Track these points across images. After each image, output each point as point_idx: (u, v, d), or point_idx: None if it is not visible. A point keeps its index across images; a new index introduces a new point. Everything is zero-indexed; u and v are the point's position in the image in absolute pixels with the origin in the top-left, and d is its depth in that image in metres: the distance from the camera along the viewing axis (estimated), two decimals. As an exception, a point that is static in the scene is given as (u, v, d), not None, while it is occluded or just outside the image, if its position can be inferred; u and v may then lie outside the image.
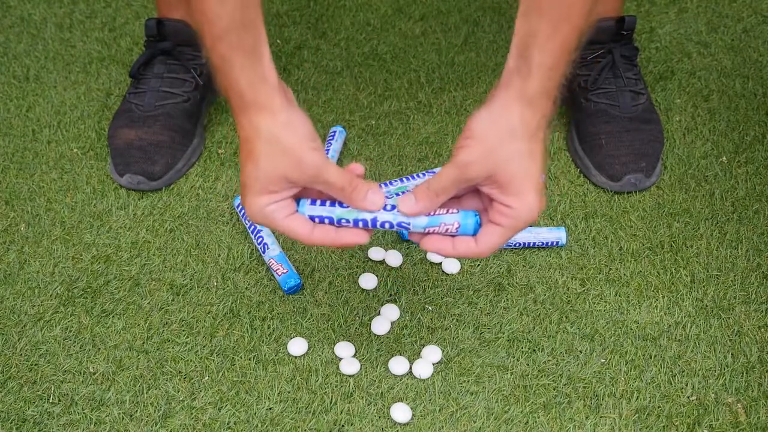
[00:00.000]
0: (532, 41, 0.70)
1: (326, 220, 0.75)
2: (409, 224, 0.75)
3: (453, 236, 0.75)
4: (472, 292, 0.98)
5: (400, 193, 1.07)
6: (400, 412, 0.86)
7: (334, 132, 1.14)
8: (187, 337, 0.94)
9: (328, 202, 0.75)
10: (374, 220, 0.75)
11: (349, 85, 1.24)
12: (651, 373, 0.91)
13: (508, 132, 0.71)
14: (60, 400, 0.88)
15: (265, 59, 0.72)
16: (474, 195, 0.75)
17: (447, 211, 0.75)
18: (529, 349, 0.93)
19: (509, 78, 0.71)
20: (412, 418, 0.87)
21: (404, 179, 1.08)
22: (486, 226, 0.74)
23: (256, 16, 0.71)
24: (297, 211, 0.75)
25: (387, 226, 0.75)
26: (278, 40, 1.31)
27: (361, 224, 0.75)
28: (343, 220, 0.75)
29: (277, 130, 0.71)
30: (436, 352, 0.92)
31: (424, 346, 0.93)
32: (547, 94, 0.71)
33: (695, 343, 0.93)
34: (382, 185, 1.08)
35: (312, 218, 0.75)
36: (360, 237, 0.75)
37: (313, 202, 0.75)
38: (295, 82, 1.24)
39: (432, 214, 0.75)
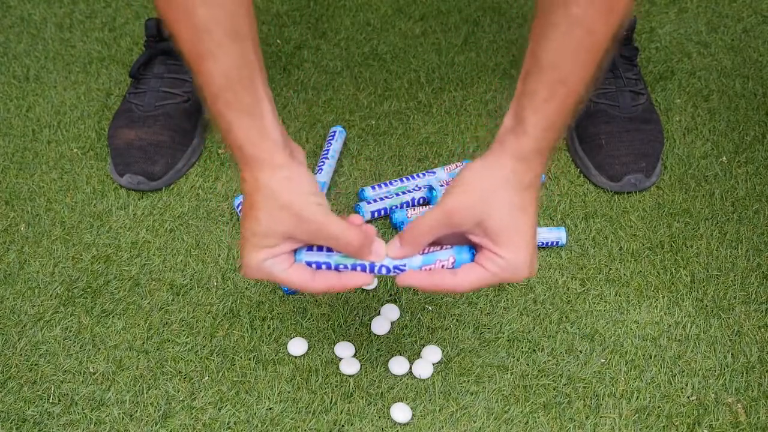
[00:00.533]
0: (528, 102, 0.70)
1: (324, 266, 0.75)
2: (404, 266, 0.75)
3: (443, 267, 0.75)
4: (472, 292, 0.98)
5: (400, 193, 1.07)
6: (400, 412, 0.86)
7: (334, 132, 1.14)
8: (187, 337, 0.94)
9: (325, 248, 0.74)
10: (372, 265, 0.75)
11: (349, 85, 1.24)
12: (651, 373, 0.91)
13: (500, 182, 0.71)
14: (60, 400, 0.88)
15: (267, 116, 0.71)
16: (463, 242, 0.75)
17: (441, 248, 0.75)
18: (529, 349, 0.93)
19: (504, 136, 0.72)
20: (412, 418, 0.87)
21: (404, 179, 1.08)
22: (471, 265, 0.74)
23: (254, 75, 0.70)
24: (295, 260, 0.74)
25: (384, 270, 0.75)
26: (278, 40, 1.31)
27: (359, 268, 0.75)
28: (341, 266, 0.75)
29: (276, 185, 0.71)
30: (436, 352, 0.92)
31: (424, 346, 0.93)
32: (541, 153, 0.72)
33: (695, 343, 0.93)
34: (382, 185, 1.08)
35: (309, 264, 0.75)
36: (365, 278, 0.75)
37: (310, 249, 0.75)
38: (295, 82, 1.24)
39: (426, 252, 0.75)
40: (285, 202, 0.70)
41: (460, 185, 0.72)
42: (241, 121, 0.70)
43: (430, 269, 0.75)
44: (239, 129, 0.71)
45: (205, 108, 0.73)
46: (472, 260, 0.74)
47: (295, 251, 0.74)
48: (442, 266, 0.75)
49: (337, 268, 0.75)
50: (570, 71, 0.69)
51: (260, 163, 0.71)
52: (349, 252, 0.73)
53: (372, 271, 0.75)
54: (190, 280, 0.99)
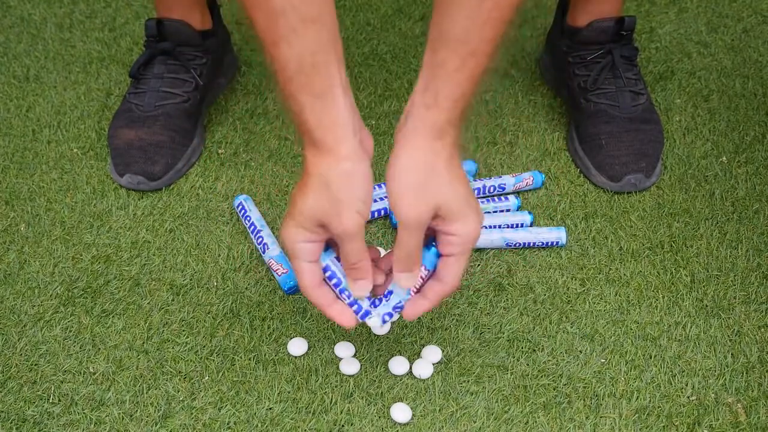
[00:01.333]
0: (439, 73, 0.71)
1: (334, 280, 0.78)
2: (400, 303, 0.79)
3: (424, 279, 0.79)
4: (472, 292, 0.98)
5: None
6: (400, 412, 0.86)
7: None
8: (187, 337, 0.94)
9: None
10: (366, 312, 0.79)
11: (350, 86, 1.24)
12: (651, 373, 0.91)
13: (428, 168, 0.73)
14: (60, 400, 0.88)
15: (339, 101, 0.72)
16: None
17: None
18: (529, 349, 0.93)
19: (415, 112, 0.73)
20: (412, 418, 0.87)
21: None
22: (442, 261, 0.77)
23: (328, 59, 0.71)
24: (319, 258, 0.77)
25: (387, 317, 0.80)
26: (278, 40, 1.31)
27: (355, 306, 0.79)
28: (346, 293, 0.78)
29: (334, 177, 0.72)
30: (436, 352, 0.92)
31: (424, 346, 0.93)
32: (453, 124, 0.73)
33: (695, 343, 0.93)
34: (382, 185, 1.08)
35: (326, 269, 0.78)
36: (346, 321, 0.79)
37: (338, 259, 0.78)
38: (295, 82, 1.24)
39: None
40: (334, 197, 0.73)
41: (396, 192, 0.73)
42: (313, 105, 0.71)
43: (417, 290, 0.79)
44: (311, 113, 0.72)
45: (276, 91, 0.74)
46: (436, 254, 0.77)
47: (325, 249, 0.77)
48: (421, 278, 0.78)
49: (342, 292, 0.78)
50: (479, 43, 0.71)
51: (326, 150, 0.72)
52: (344, 268, 0.77)
53: (363, 318, 0.80)
54: (190, 280, 0.99)
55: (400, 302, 0.79)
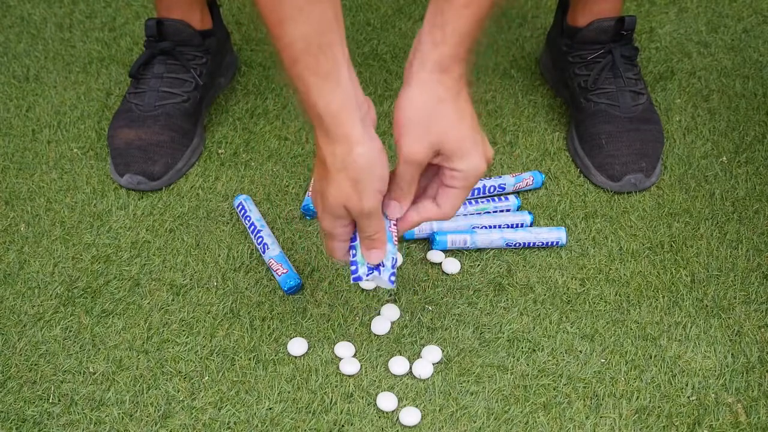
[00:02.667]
0: (447, 7, 0.72)
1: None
2: (395, 265, 0.82)
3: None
4: (472, 292, 0.98)
5: None
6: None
7: None
8: (187, 337, 0.94)
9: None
10: (358, 278, 0.82)
11: (349, 85, 1.24)
12: (651, 373, 0.91)
13: (433, 103, 0.73)
14: (60, 400, 0.88)
15: (344, 81, 0.73)
16: (435, 173, 0.80)
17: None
18: (529, 349, 0.93)
19: (421, 49, 0.73)
20: (421, 420, 0.87)
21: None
22: (443, 190, 0.78)
23: (333, 39, 0.71)
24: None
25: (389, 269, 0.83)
26: (278, 40, 1.31)
27: (353, 267, 0.82)
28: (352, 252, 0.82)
29: (350, 164, 0.74)
30: (436, 352, 0.92)
31: (424, 346, 0.93)
32: (459, 59, 0.74)
33: (695, 343, 0.93)
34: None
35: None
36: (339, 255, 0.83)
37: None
38: (295, 82, 1.24)
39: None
40: (353, 181, 0.74)
41: (402, 125, 0.74)
42: (321, 87, 0.72)
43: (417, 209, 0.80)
44: (319, 96, 0.72)
45: (281, 72, 0.74)
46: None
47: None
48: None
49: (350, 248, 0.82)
50: None
51: (338, 138, 0.74)
52: (361, 237, 0.80)
53: (357, 279, 0.82)
54: (190, 280, 0.99)
55: (395, 260, 0.81)
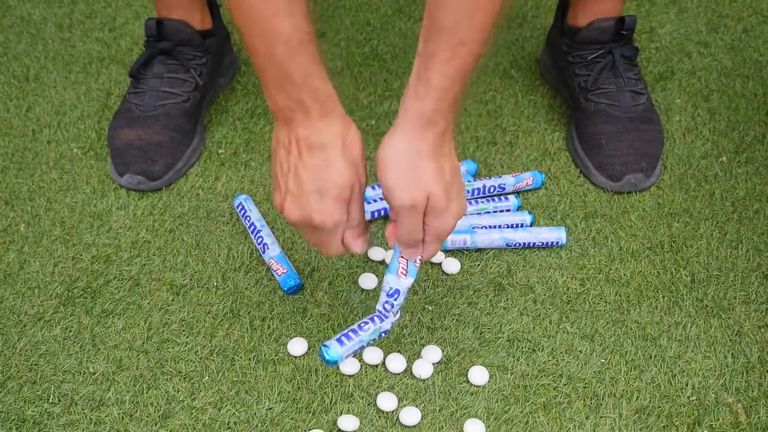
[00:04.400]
0: (430, 63, 0.73)
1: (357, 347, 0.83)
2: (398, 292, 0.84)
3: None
4: (472, 292, 0.98)
5: None
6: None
7: None
8: (187, 337, 0.94)
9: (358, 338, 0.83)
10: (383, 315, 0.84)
11: (349, 85, 1.24)
12: (651, 373, 0.91)
13: (414, 157, 0.75)
14: (60, 400, 0.88)
15: (325, 71, 0.76)
16: None
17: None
18: (529, 349, 0.93)
19: (408, 100, 0.75)
20: (421, 420, 0.87)
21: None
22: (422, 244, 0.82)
23: (314, 31, 0.75)
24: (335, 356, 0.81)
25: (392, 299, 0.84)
26: (278, 40, 1.31)
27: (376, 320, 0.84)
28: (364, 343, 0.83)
29: (352, 140, 0.77)
30: (436, 352, 0.92)
31: (424, 346, 0.93)
32: (442, 113, 0.75)
33: (695, 343, 0.93)
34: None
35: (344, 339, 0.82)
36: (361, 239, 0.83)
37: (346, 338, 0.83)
38: (295, 82, 1.24)
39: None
40: (354, 158, 0.77)
41: (394, 179, 0.76)
42: (320, 72, 0.75)
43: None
44: (320, 80, 0.75)
45: (273, 64, 0.75)
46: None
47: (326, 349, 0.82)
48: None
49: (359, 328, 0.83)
50: (468, 32, 0.72)
51: (338, 117, 0.76)
52: (355, 217, 0.81)
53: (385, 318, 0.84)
54: (190, 280, 0.99)
55: (405, 298, 0.84)
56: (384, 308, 0.83)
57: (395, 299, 0.83)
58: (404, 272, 0.82)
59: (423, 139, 0.75)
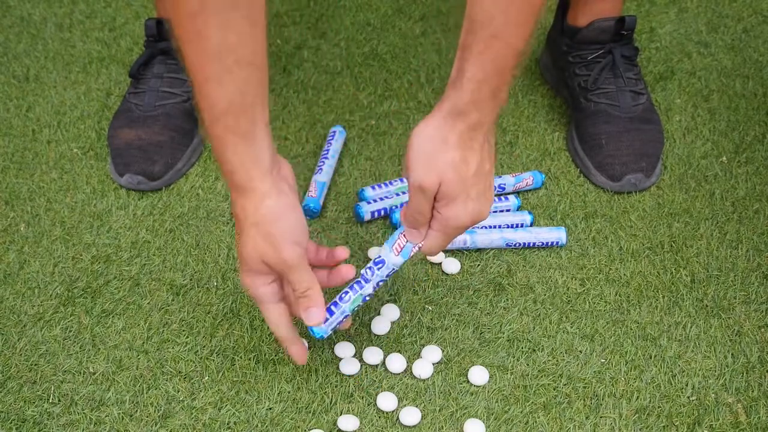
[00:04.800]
0: (466, 55, 0.74)
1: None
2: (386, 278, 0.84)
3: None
4: (472, 292, 0.98)
5: (401, 193, 1.07)
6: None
7: (334, 132, 1.14)
8: (187, 337, 0.94)
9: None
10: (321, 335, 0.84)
11: (349, 85, 1.24)
12: (651, 373, 0.91)
13: (439, 142, 0.75)
14: (60, 400, 0.88)
15: (260, 141, 0.74)
16: None
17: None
18: (529, 349, 0.93)
19: (447, 90, 0.76)
20: (421, 420, 0.87)
21: (404, 179, 1.08)
22: (429, 231, 0.81)
23: (255, 101, 0.73)
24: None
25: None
26: (278, 40, 1.31)
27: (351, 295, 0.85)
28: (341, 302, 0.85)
29: (260, 218, 0.76)
30: (436, 352, 0.92)
31: (424, 346, 0.93)
32: (477, 106, 0.75)
33: (695, 343, 0.93)
34: (382, 185, 1.08)
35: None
36: (300, 359, 0.85)
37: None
38: (295, 82, 1.24)
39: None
40: (267, 234, 0.76)
41: (415, 158, 0.76)
42: (236, 146, 0.74)
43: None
44: (233, 153, 0.74)
45: (201, 126, 0.75)
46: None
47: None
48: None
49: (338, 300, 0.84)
50: (503, 25, 0.73)
51: (249, 190, 0.75)
52: (292, 298, 0.82)
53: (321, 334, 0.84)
54: (190, 280, 0.99)
55: (388, 273, 0.84)
56: (366, 273, 0.84)
57: (378, 269, 0.83)
58: (399, 250, 0.83)
59: (452, 128, 0.75)
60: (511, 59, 0.74)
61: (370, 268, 0.84)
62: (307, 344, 0.87)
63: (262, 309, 0.82)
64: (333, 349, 0.92)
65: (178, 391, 0.89)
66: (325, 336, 0.84)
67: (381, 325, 0.94)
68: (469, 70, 0.74)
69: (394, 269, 0.83)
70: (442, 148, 0.75)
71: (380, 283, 0.84)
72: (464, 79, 0.74)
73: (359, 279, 0.84)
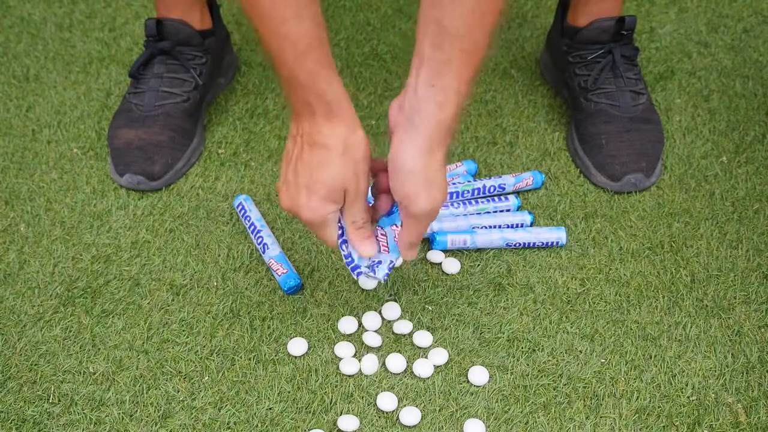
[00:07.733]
0: (446, 70, 0.75)
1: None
2: (392, 266, 0.86)
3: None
4: (472, 292, 0.98)
5: None
6: (409, 416, 0.86)
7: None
8: (187, 337, 0.94)
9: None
10: (356, 267, 0.86)
11: (349, 85, 1.24)
12: (651, 373, 0.91)
13: (433, 164, 0.78)
14: (60, 400, 0.88)
15: (336, 72, 0.78)
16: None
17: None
18: (529, 349, 0.93)
19: (423, 108, 0.76)
20: (421, 420, 0.87)
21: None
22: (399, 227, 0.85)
23: (326, 35, 0.77)
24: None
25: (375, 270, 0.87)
26: (278, 40, 1.31)
27: (350, 261, 0.86)
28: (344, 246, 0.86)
29: (354, 144, 0.78)
30: (443, 355, 0.91)
31: (429, 347, 0.93)
32: (457, 119, 0.77)
33: (695, 343, 0.93)
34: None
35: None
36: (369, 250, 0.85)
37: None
38: (295, 82, 1.24)
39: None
40: (354, 162, 0.78)
41: (416, 187, 0.79)
42: (327, 75, 0.77)
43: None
44: (327, 83, 0.77)
45: (278, 69, 0.77)
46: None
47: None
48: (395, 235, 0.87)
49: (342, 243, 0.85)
50: (481, 36, 0.74)
51: (344, 119, 0.78)
52: (349, 230, 0.83)
53: (358, 274, 0.86)
54: (190, 280, 0.99)
55: (392, 263, 0.86)
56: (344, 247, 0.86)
57: (349, 248, 0.86)
58: (385, 249, 0.86)
59: (441, 146, 0.77)
60: (481, 66, 0.77)
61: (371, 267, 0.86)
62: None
63: (323, 232, 0.83)
64: (333, 349, 0.92)
65: (178, 391, 0.89)
66: (385, 279, 0.86)
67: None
68: (454, 85, 0.75)
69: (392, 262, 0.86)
70: (437, 170, 0.78)
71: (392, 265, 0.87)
72: (450, 94, 0.75)
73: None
